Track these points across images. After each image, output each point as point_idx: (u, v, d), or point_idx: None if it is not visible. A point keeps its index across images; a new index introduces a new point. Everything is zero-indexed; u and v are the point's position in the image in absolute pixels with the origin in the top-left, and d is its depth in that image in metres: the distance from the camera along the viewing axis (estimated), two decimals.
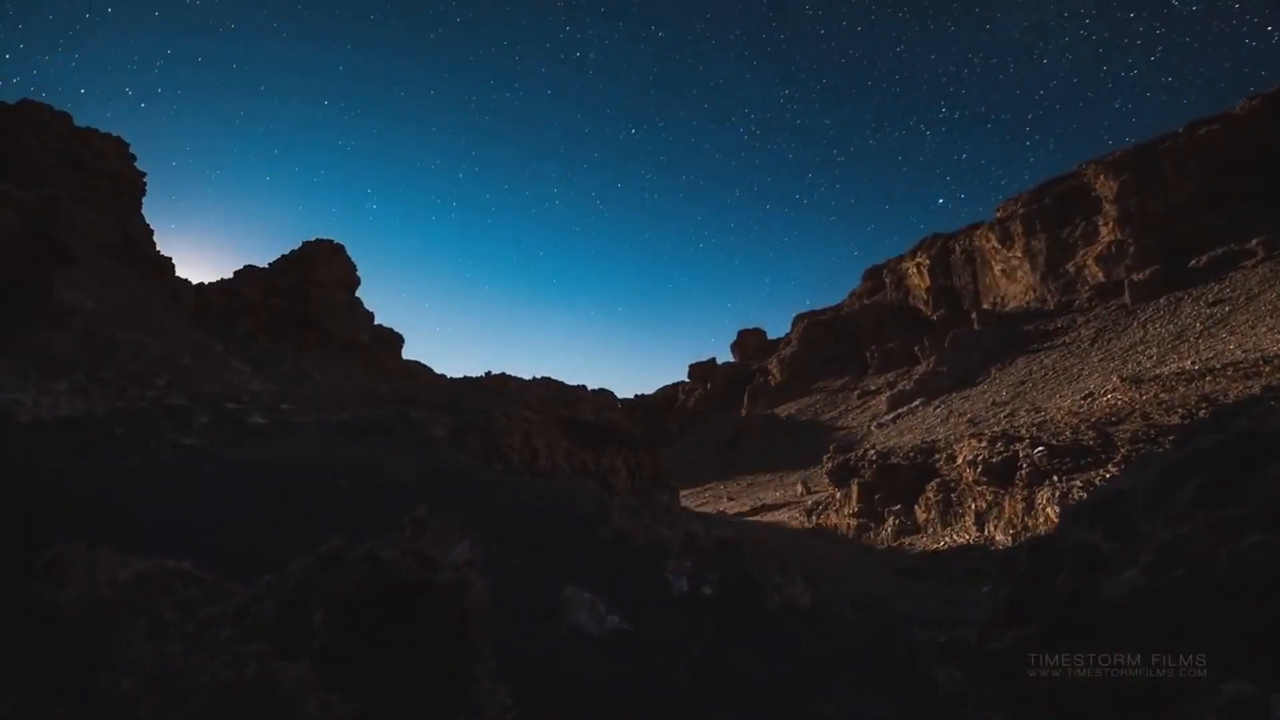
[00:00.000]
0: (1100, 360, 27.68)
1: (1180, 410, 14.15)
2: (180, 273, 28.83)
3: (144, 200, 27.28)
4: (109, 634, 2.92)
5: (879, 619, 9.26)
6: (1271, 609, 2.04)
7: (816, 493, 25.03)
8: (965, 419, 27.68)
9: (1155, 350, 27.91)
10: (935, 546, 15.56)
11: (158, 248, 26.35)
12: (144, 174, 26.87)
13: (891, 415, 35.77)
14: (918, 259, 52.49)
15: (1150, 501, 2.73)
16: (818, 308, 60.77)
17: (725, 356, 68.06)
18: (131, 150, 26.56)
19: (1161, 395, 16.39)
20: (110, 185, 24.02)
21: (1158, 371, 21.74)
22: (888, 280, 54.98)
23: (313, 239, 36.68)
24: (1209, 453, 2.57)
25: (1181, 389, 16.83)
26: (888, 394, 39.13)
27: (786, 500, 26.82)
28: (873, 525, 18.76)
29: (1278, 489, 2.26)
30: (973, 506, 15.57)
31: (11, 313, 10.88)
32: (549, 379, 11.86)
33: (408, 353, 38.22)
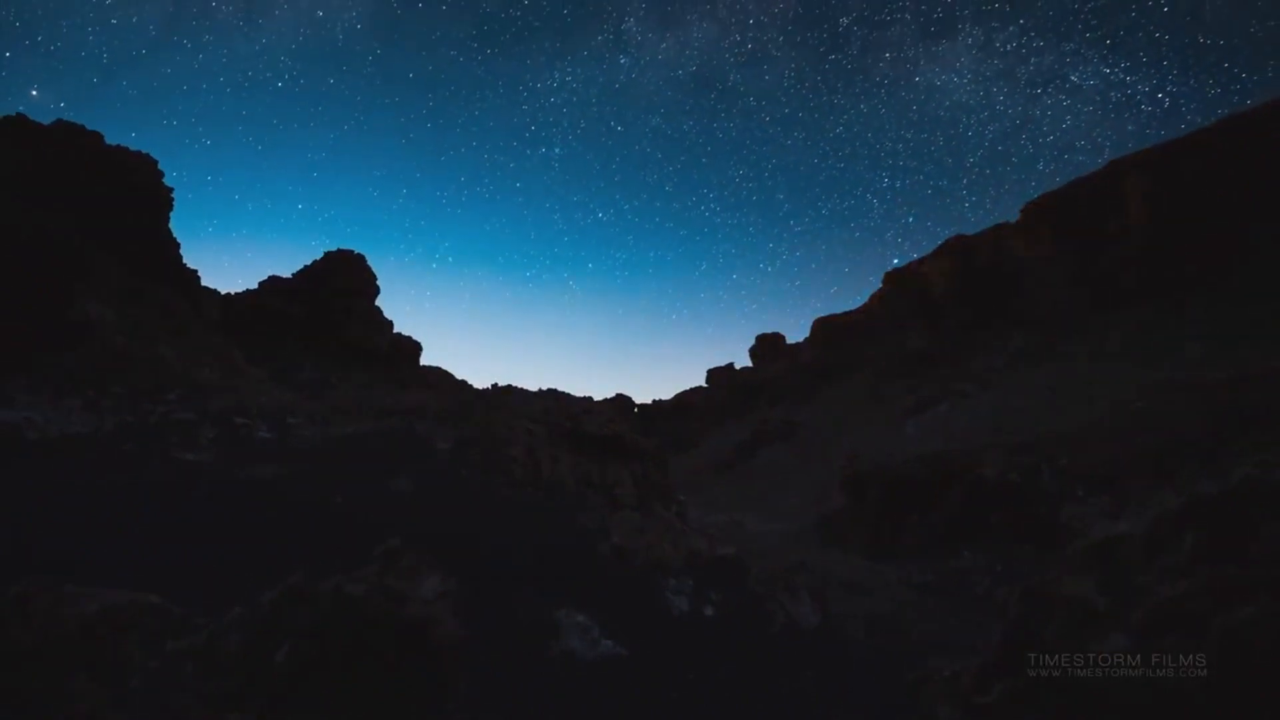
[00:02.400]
0: (1132, 366, 26.71)
1: (1216, 421, 13.49)
2: (206, 283, 29.61)
3: (171, 214, 28.09)
4: (64, 674, 2.89)
5: (888, 642, 8.95)
6: (1263, 687, 1.83)
7: (833, 501, 24.55)
8: (989, 426, 26.89)
9: (1192, 356, 26.80)
10: (955, 561, 15.06)
11: (184, 260, 27.11)
12: (171, 189, 27.69)
13: (912, 421, 34.96)
14: (940, 261, 51.40)
15: (1148, 551, 2.52)
16: (837, 312, 59.92)
17: (744, 361, 67.53)
18: (160, 167, 27.44)
19: (1196, 404, 15.68)
20: (138, 201, 24.77)
21: (1193, 378, 20.85)
22: (909, 284, 53.96)
23: (334, 249, 37.41)
24: (1209, 501, 2.36)
25: (1218, 398, 16.10)
26: (908, 400, 38.36)
27: (802, 508, 26.36)
28: (891, 537, 18.31)
29: (1278, 550, 2.05)
30: (994, 520, 15.07)
31: (32, 327, 11.19)
32: (554, 390, 11.80)
33: (434, 358, 38.62)
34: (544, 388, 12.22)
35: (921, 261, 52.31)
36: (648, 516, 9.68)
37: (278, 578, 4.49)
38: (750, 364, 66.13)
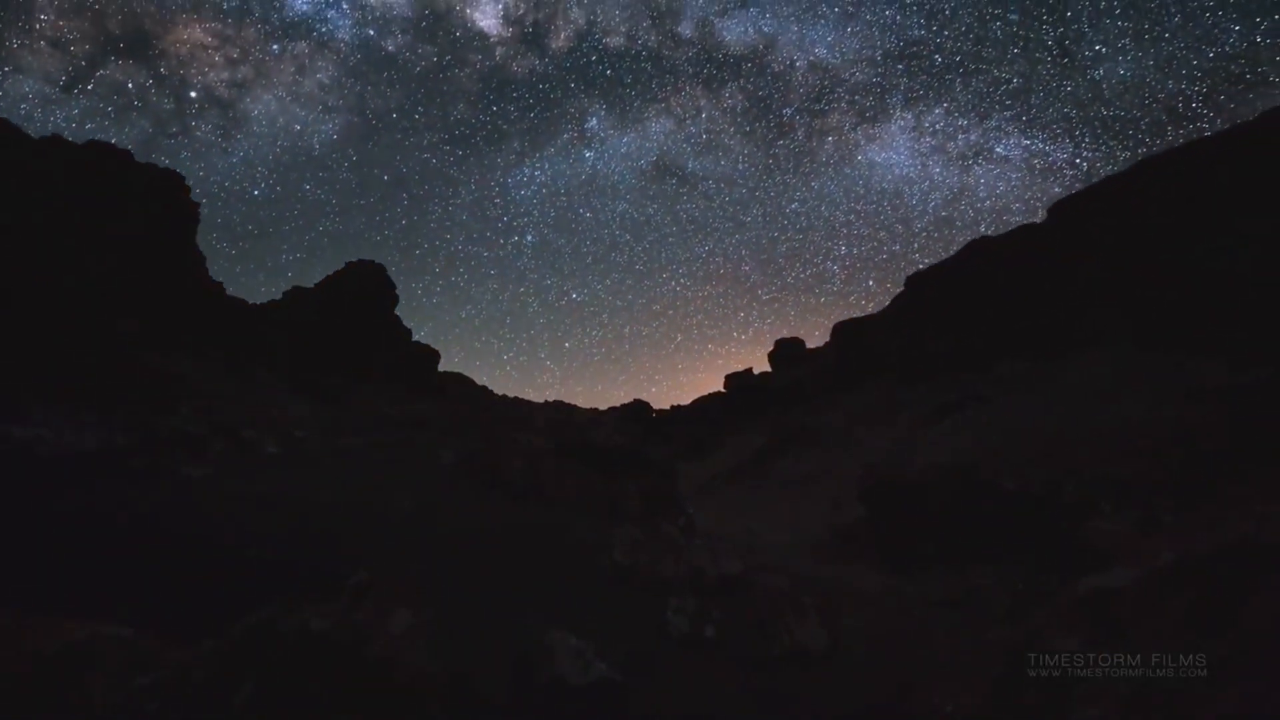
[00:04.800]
0: (1167, 372, 25.68)
1: (1249, 432, 12.82)
2: (230, 293, 30.35)
3: (198, 228, 28.88)
4: (26, 710, 2.87)
5: (899, 665, 8.64)
6: None
7: (850, 510, 24.08)
8: (1012, 432, 26.14)
9: (1232, 359, 25.63)
10: (974, 576, 14.59)
11: (209, 273, 27.84)
12: (198, 205, 28.49)
13: (933, 427, 34.18)
14: (963, 264, 50.25)
15: (1139, 608, 2.33)
16: (858, 315, 59.01)
17: (763, 366, 66.92)
18: (188, 183, 28.27)
19: (1228, 413, 14.96)
20: (165, 216, 25.53)
21: (1233, 382, 19.94)
22: (930, 286, 52.87)
23: (355, 260, 38.09)
24: (1204, 560, 2.16)
25: (1259, 404, 15.34)
26: (929, 405, 37.54)
27: (819, 517, 25.89)
28: (908, 550, 17.86)
29: (1270, 624, 1.85)
30: (1015, 534, 14.57)
31: (54, 340, 11.51)
32: (560, 402, 11.72)
33: (459, 364, 38.87)
34: (550, 399, 12.14)
35: (943, 264, 51.21)
36: (650, 532, 9.52)
37: (266, 601, 4.47)
38: (769, 369, 65.49)
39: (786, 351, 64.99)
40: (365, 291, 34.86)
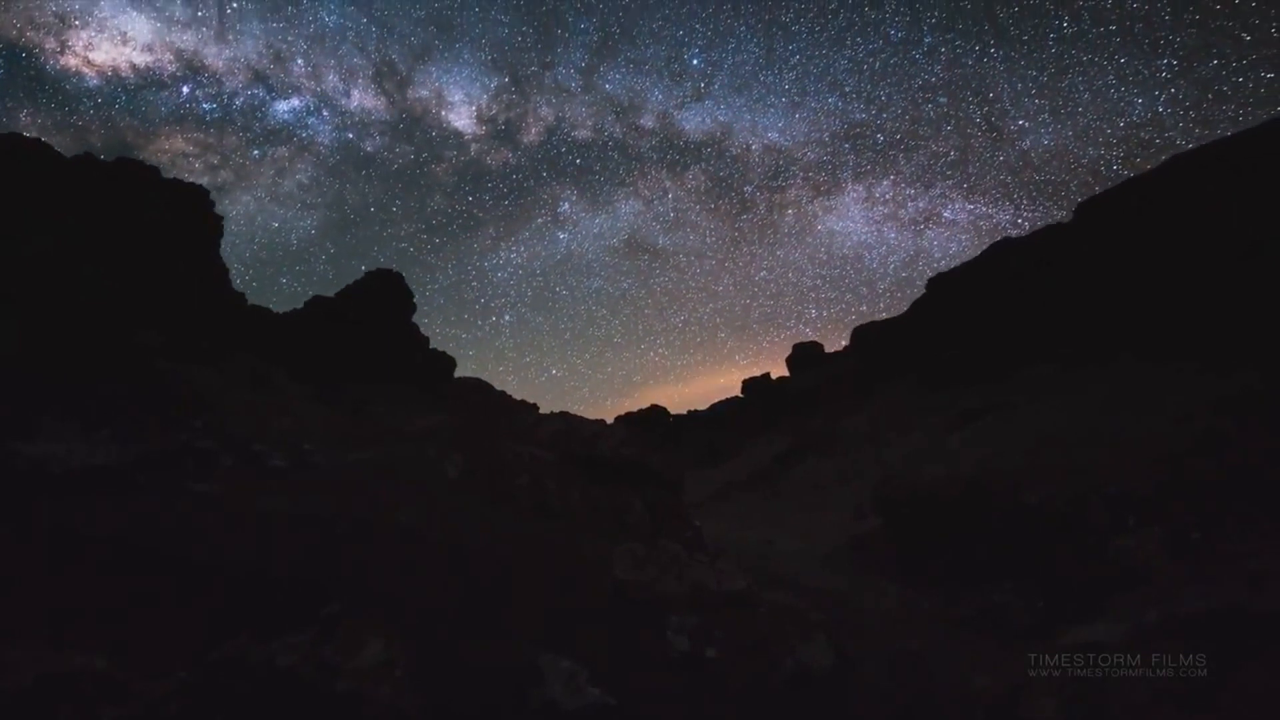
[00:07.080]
0: (1198, 380, 24.74)
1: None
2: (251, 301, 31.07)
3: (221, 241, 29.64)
4: None
5: (910, 688, 8.35)
6: None
7: (869, 520, 23.64)
8: (1037, 441, 25.39)
9: (1266, 367, 24.58)
10: (995, 593, 14.16)
11: (232, 285, 28.56)
12: (222, 218, 29.27)
13: (957, 435, 33.45)
14: (986, 266, 49.17)
15: (1126, 665, 2.17)
16: (878, 319, 58.10)
17: (781, 371, 66.29)
18: (211, 198, 29.08)
19: (1266, 424, 14.30)
20: (190, 229, 26.26)
21: (1265, 390, 19.09)
22: (953, 289, 51.82)
23: (375, 268, 38.75)
24: (1192, 623, 2.00)
25: None
26: (953, 412, 36.74)
27: (837, 526, 25.51)
28: (927, 563, 17.42)
29: (1257, 697, 1.68)
30: (1037, 549, 14.10)
31: (72, 352, 11.83)
32: (565, 413, 11.71)
33: (478, 369, 39.04)
34: (556, 410, 12.19)
35: (965, 266, 50.16)
36: (654, 548, 9.40)
37: (248, 628, 4.47)
38: (787, 374, 64.85)
39: (804, 355, 64.25)
40: (383, 300, 35.41)
